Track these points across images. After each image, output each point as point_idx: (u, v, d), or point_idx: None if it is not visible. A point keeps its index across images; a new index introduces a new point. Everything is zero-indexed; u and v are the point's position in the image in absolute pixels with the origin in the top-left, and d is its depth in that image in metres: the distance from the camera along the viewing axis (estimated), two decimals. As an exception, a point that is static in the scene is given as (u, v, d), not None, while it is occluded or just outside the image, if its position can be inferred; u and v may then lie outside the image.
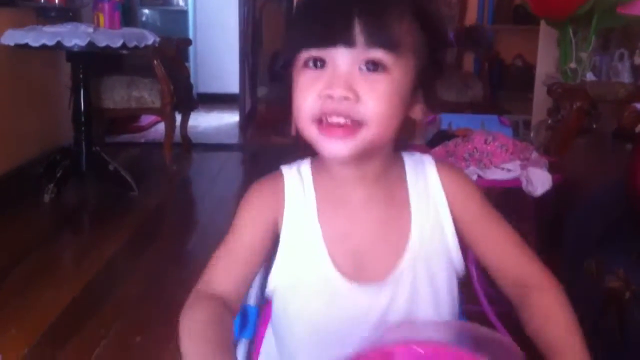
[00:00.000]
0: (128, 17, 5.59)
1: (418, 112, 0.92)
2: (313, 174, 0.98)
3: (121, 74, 4.58)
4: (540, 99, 3.79)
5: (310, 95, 0.85)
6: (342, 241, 0.94)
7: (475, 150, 2.13)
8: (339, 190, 0.95)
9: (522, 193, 2.10)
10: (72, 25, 3.78)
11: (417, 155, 1.00)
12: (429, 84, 0.91)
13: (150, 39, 3.89)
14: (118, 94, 4.48)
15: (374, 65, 0.84)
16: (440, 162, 0.99)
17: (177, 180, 4.62)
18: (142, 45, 3.80)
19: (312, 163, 0.99)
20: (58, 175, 3.86)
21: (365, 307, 0.93)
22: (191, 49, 6.58)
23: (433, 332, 0.78)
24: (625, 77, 3.12)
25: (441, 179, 0.96)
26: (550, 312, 0.89)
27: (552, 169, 2.15)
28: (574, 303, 1.93)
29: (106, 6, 3.93)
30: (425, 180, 0.97)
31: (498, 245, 0.95)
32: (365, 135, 0.85)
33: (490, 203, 0.97)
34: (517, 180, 2.07)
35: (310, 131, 0.87)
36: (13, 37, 3.62)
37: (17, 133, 4.02)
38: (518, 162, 2.09)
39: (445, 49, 0.95)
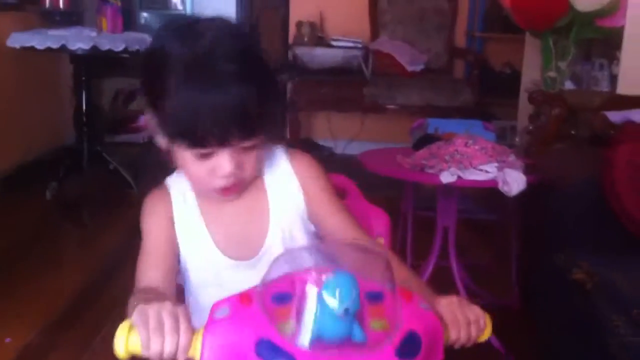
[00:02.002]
0: (128, 20, 5.70)
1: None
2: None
3: (121, 76, 4.71)
4: (525, 106, 3.94)
5: (202, 176, 1.09)
6: (219, 227, 1.18)
7: (456, 152, 2.28)
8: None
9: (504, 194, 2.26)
10: (76, 29, 3.93)
11: (271, 148, 1.21)
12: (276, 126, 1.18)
13: (151, 43, 4.03)
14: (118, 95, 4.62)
15: (248, 149, 1.07)
16: (290, 148, 1.23)
17: (175, 179, 4.75)
18: (144, 49, 3.95)
19: None
20: (60, 173, 3.99)
21: (246, 280, 1.04)
22: (189, 52, 6.71)
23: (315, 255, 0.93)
24: (604, 86, 3.28)
25: (291, 161, 1.21)
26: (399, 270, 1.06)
27: (529, 171, 2.31)
28: (544, 294, 2.08)
29: (109, 10, 4.07)
30: (278, 167, 1.21)
31: (337, 215, 1.19)
32: (244, 186, 1.14)
33: (332, 184, 1.23)
34: (494, 181, 2.22)
35: (208, 191, 1.13)
36: (19, 39, 3.76)
37: (21, 132, 4.16)
38: (495, 164, 2.24)
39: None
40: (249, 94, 1.02)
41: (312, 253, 0.91)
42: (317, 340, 0.80)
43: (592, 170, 2.10)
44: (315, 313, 0.80)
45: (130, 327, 0.85)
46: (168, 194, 1.20)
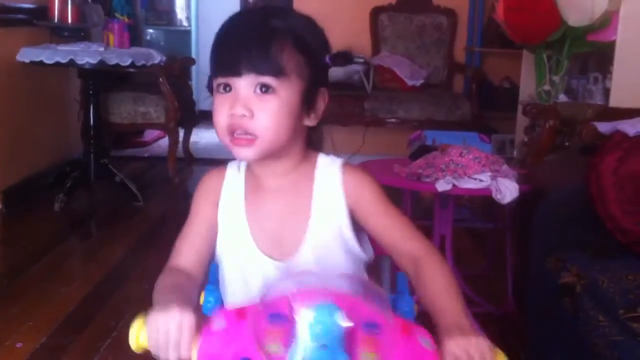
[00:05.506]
0: (134, 36, 5.84)
1: (311, 120, 1.18)
2: (247, 169, 1.24)
3: (128, 90, 4.82)
4: (523, 119, 4.03)
5: (222, 114, 1.13)
6: (259, 222, 1.20)
7: (451, 162, 2.36)
8: (258, 182, 1.21)
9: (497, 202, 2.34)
10: (84, 44, 4.04)
11: (331, 157, 1.23)
12: (312, 99, 1.17)
13: (157, 58, 4.14)
14: (125, 109, 4.71)
15: (265, 88, 1.10)
16: (348, 164, 1.22)
17: (179, 191, 4.85)
18: (150, 63, 4.05)
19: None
20: (68, 185, 4.09)
21: (270, 278, 1.16)
22: (194, 67, 6.83)
23: (329, 280, 0.95)
24: (598, 99, 3.36)
25: (342, 177, 1.20)
26: (437, 282, 1.10)
27: (522, 180, 2.39)
28: (536, 296, 2.15)
29: (116, 26, 4.18)
30: (330, 177, 1.20)
31: (392, 230, 1.17)
32: (261, 144, 1.12)
33: (387, 198, 1.20)
34: (487, 189, 2.31)
35: (225, 140, 1.14)
36: (28, 54, 3.87)
37: (30, 145, 4.26)
38: (489, 173, 2.33)
39: (325, 70, 1.20)
40: (269, 38, 1.10)
41: (313, 279, 0.96)
42: None
43: (581, 179, 2.17)
44: (299, 341, 0.84)
45: (141, 326, 0.95)
46: (223, 175, 1.24)
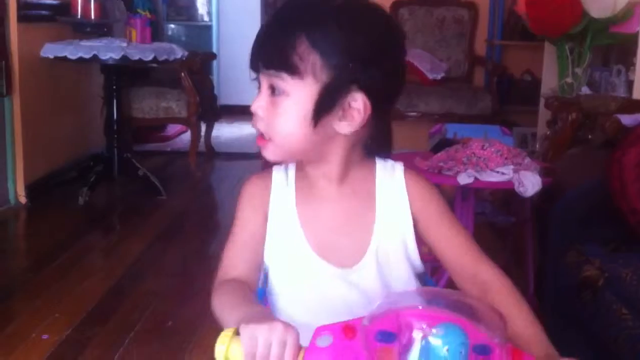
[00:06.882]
0: (155, 32, 5.86)
1: (344, 127, 1.04)
2: (296, 172, 1.15)
3: (149, 85, 4.85)
4: (545, 112, 4.01)
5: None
6: (315, 228, 1.11)
7: (472, 155, 2.36)
8: (312, 186, 1.12)
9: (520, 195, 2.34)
10: (107, 39, 4.07)
11: (390, 162, 1.14)
12: (333, 104, 1.02)
13: (179, 53, 4.17)
14: (147, 104, 4.75)
15: (274, 89, 1.03)
16: (408, 168, 1.14)
17: (201, 186, 4.89)
18: (172, 58, 4.08)
19: (297, 164, 1.16)
20: (92, 179, 4.13)
21: (332, 288, 1.11)
22: (215, 62, 6.85)
23: (419, 299, 0.86)
24: (621, 91, 3.34)
25: (406, 182, 1.12)
26: (512, 310, 1.01)
27: (544, 173, 2.38)
28: (555, 289, 2.14)
29: (138, 22, 4.21)
30: (392, 182, 1.12)
31: (455, 244, 1.10)
32: (274, 146, 1.06)
33: (449, 208, 1.13)
34: (510, 182, 2.30)
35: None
36: (52, 50, 3.91)
37: (54, 140, 4.30)
38: (511, 166, 2.32)
39: (356, 68, 1.01)
40: (284, 35, 1.01)
41: (418, 297, 0.87)
42: None
43: (604, 172, 2.16)
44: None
45: (231, 339, 0.87)
46: (270, 180, 1.15)
